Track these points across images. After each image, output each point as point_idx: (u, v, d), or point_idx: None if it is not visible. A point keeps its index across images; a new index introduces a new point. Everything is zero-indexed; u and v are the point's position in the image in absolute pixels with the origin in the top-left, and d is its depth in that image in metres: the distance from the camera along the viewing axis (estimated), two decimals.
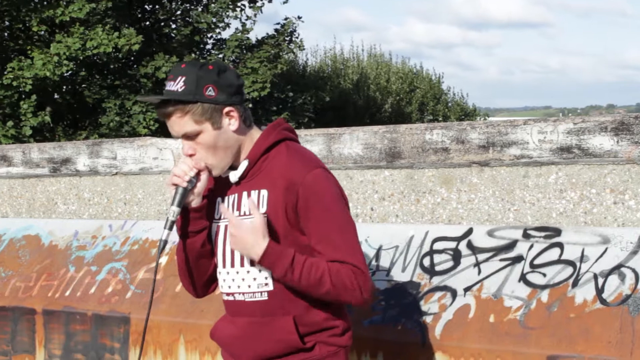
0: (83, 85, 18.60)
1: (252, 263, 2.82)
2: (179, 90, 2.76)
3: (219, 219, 2.93)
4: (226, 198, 2.91)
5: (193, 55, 19.48)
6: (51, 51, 16.30)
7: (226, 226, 2.88)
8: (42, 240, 5.35)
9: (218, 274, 2.93)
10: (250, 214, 2.78)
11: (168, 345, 4.37)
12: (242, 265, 2.84)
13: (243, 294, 2.86)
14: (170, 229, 2.86)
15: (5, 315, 5.05)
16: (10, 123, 16.56)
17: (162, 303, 4.49)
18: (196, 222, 2.91)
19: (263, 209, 2.80)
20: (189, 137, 2.81)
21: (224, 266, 2.89)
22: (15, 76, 16.17)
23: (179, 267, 3.05)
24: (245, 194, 2.85)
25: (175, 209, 2.84)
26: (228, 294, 2.90)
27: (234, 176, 2.87)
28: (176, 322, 4.36)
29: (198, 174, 2.85)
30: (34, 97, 16.57)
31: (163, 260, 4.69)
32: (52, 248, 5.25)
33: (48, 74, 16.08)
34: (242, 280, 2.84)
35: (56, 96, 18.63)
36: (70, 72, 17.31)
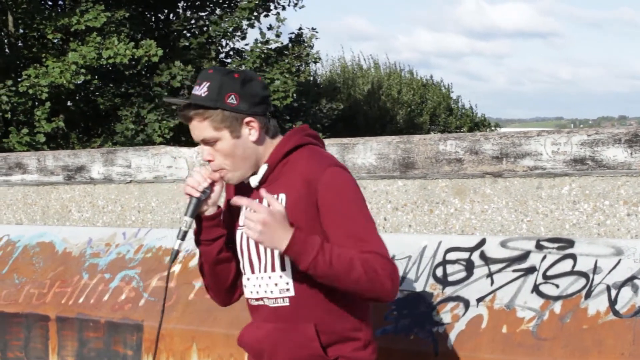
0: (96, 94, 18.66)
1: (273, 268, 2.83)
2: (202, 95, 2.78)
3: (243, 225, 2.93)
4: None
5: (214, 62, 19.48)
6: (69, 59, 16.35)
7: None
8: (56, 247, 5.38)
9: (246, 280, 2.94)
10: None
11: (181, 353, 4.39)
12: (265, 270, 2.85)
13: (268, 299, 2.87)
14: (183, 239, 2.88)
15: (19, 322, 5.07)
16: (25, 130, 16.63)
17: (174, 311, 4.50)
18: (210, 230, 2.91)
19: None
20: (208, 142, 2.82)
21: (252, 272, 2.89)
22: (31, 84, 16.24)
23: (202, 275, 3.07)
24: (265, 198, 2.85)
25: (187, 219, 2.86)
26: (257, 299, 2.91)
27: (254, 180, 2.87)
28: (189, 329, 4.38)
29: (212, 185, 2.86)
30: (48, 104, 16.65)
31: (176, 268, 4.71)
32: (66, 255, 5.27)
33: (65, 82, 16.14)
34: (266, 285, 2.85)
35: (69, 104, 18.70)
36: (84, 80, 17.38)
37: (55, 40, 17.67)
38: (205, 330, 4.31)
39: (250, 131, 2.82)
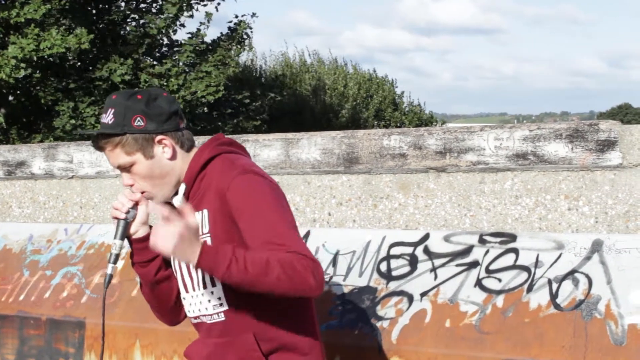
0: (37, 88, 18.40)
1: (205, 285, 2.81)
2: (109, 123, 2.75)
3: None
4: None
5: (148, 60, 19.38)
6: (9, 54, 16.09)
7: None
8: None
9: (183, 300, 2.93)
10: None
11: (124, 350, 4.34)
12: (198, 288, 2.83)
13: (204, 316, 2.86)
14: (115, 262, 2.85)
15: None
16: None
17: (117, 307, 4.46)
18: (143, 252, 2.89)
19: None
20: (125, 168, 2.80)
21: (186, 291, 2.88)
22: None
23: (144, 296, 3.05)
24: None
25: (117, 242, 2.83)
26: (195, 317, 2.90)
27: (177, 201, 2.84)
28: (132, 326, 4.33)
29: (136, 205, 2.83)
30: None
31: (119, 264, 4.66)
32: (6, 252, 5.19)
33: (4, 77, 15.89)
34: (200, 303, 2.84)
35: (10, 98, 18.40)
36: (25, 74, 17.12)
37: None
38: (148, 326, 4.27)
39: (164, 149, 2.79)
